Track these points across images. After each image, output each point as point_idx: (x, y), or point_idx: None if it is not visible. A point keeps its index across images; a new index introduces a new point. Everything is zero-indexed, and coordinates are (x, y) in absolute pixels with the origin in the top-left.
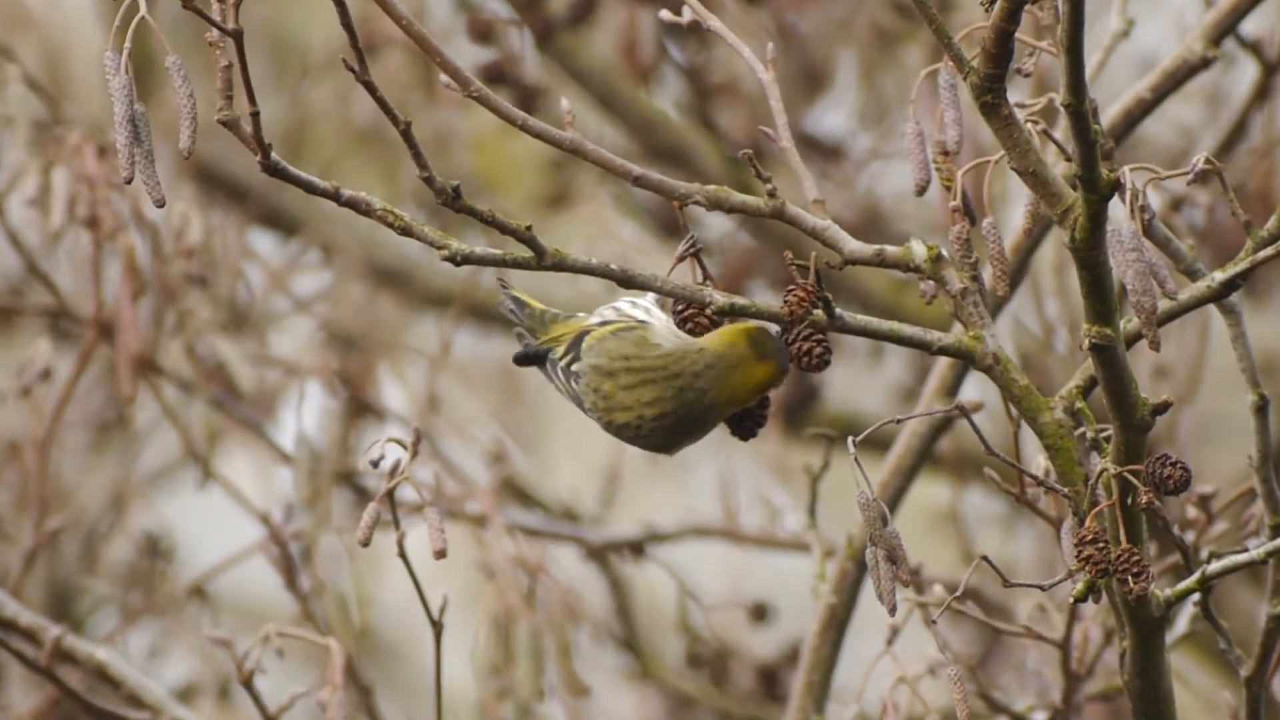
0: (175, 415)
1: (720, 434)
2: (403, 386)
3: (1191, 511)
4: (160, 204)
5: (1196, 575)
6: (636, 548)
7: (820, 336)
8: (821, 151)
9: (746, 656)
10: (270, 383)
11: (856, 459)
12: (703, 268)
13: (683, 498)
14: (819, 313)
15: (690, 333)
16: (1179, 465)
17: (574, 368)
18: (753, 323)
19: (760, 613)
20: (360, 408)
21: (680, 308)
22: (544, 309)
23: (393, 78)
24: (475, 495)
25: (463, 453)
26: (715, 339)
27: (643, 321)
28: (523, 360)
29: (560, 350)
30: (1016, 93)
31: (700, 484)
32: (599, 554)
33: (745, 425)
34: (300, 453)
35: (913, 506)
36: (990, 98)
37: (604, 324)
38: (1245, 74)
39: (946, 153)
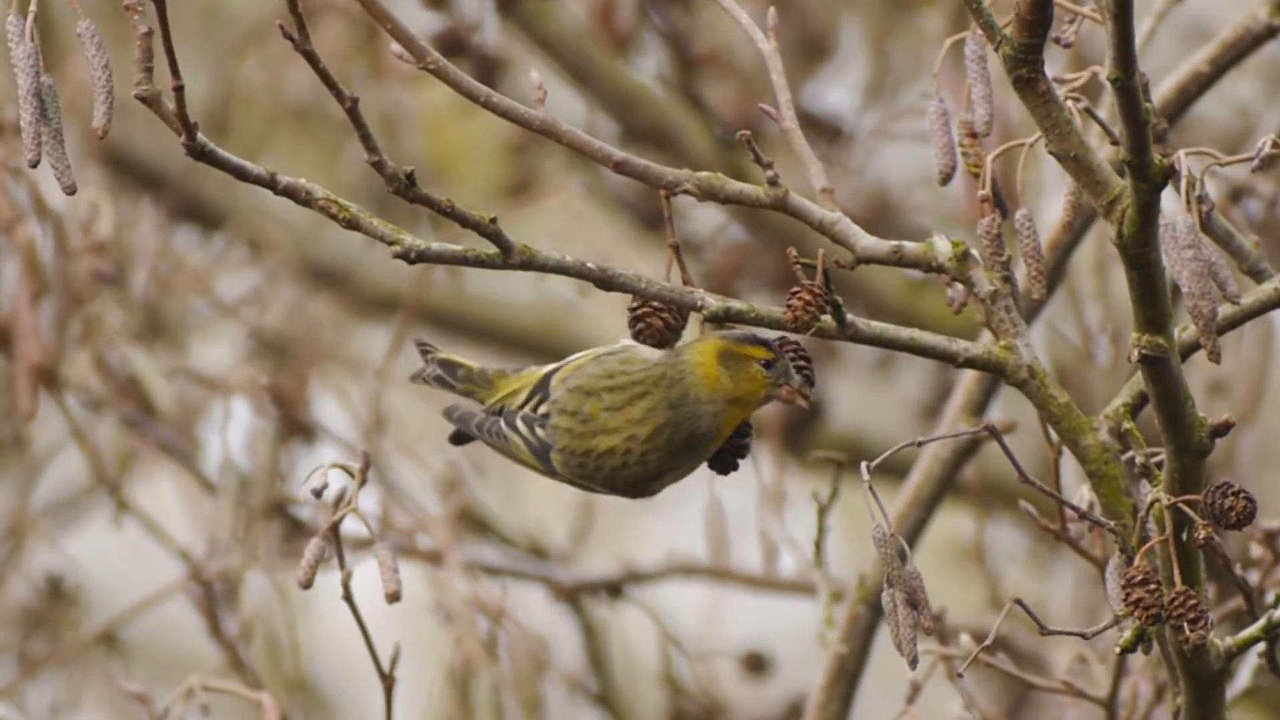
0: (82, 435)
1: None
2: (343, 403)
3: (1256, 549)
4: (71, 190)
5: (1261, 622)
6: (613, 588)
7: (803, 362)
8: (822, 132)
9: (740, 713)
10: (191, 399)
11: (871, 487)
12: (681, 265)
13: (666, 531)
14: (827, 318)
15: (641, 333)
16: (1241, 495)
17: (541, 409)
18: (736, 330)
19: (756, 663)
20: (294, 428)
21: (634, 304)
22: (482, 368)
23: (332, 49)
24: (428, 528)
25: (413, 478)
26: (692, 349)
27: (627, 345)
28: (460, 438)
29: (521, 399)
30: (1055, 65)
31: (686, 515)
32: (570, 595)
33: (724, 458)
34: (225, 480)
35: (933, 541)
36: (1025, 71)
37: (577, 360)
38: None
39: (974, 135)
